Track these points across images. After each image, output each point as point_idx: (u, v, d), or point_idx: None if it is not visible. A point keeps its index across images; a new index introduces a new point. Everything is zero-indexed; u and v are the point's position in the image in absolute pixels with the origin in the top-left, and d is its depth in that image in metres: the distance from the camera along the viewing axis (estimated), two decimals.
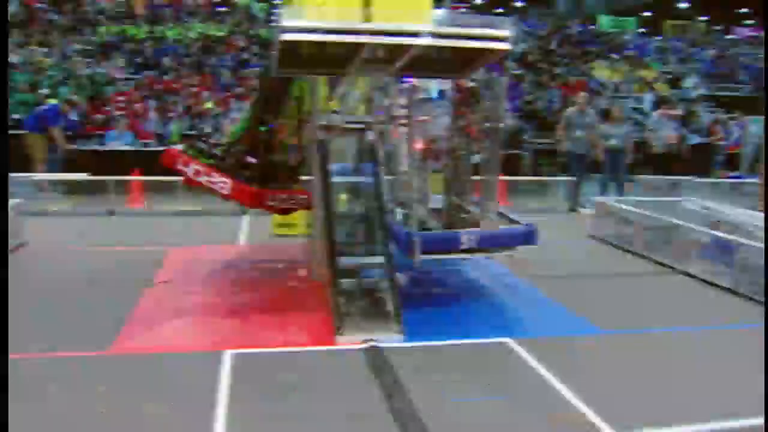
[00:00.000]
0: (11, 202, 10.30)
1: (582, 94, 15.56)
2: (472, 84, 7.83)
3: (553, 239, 9.40)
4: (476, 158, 8.11)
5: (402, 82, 8.01)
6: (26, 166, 15.45)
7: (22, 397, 5.02)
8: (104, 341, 6.19)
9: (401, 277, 7.34)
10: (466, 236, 7.12)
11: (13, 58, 24.59)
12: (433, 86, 8.13)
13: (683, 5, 40.02)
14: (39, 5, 31.03)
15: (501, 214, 7.97)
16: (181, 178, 8.41)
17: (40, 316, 7.00)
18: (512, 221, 7.89)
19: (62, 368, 5.61)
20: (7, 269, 6.25)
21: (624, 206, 10.82)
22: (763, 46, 26.49)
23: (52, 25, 28.69)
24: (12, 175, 13.47)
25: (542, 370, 5.60)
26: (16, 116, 19.05)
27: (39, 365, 5.68)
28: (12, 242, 9.80)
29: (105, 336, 6.31)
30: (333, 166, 7.62)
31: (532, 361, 5.79)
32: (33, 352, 5.94)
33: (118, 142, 16.86)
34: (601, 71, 26.94)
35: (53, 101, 17.36)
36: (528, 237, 7.45)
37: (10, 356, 5.80)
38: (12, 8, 31.85)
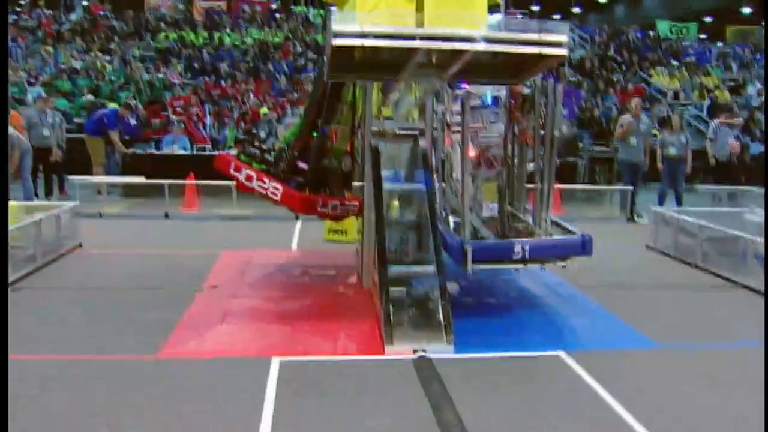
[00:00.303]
0: (68, 204, 10.49)
1: (635, 100, 15.19)
2: (527, 90, 7.70)
3: (608, 249, 9.19)
4: (531, 166, 7.99)
5: (455, 89, 7.92)
6: (85, 169, 15.73)
7: (68, 398, 5.06)
8: (154, 345, 6.21)
9: (452, 287, 7.23)
10: (520, 246, 6.98)
11: (76, 63, 25.15)
12: (488, 92, 8.00)
13: (746, 10, 39.09)
14: (102, 12, 31.69)
15: (555, 224, 7.83)
16: (234, 182, 8.44)
17: (92, 318, 7.07)
18: (567, 231, 7.73)
19: (111, 371, 5.63)
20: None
21: (683, 217, 10.53)
22: None
23: (113, 32, 29.24)
24: (69, 177, 13.77)
25: (595, 385, 5.43)
26: (77, 120, 19.46)
27: (88, 367, 5.71)
28: (67, 244, 9.96)
29: (155, 339, 6.34)
30: (385, 173, 7.55)
31: (585, 375, 5.62)
32: (83, 353, 5.98)
33: (175, 146, 17.05)
34: (660, 78, 26.45)
35: (113, 105, 17.66)
36: (583, 247, 7.28)
37: (61, 357, 5.89)
38: (75, 16, 32.59)
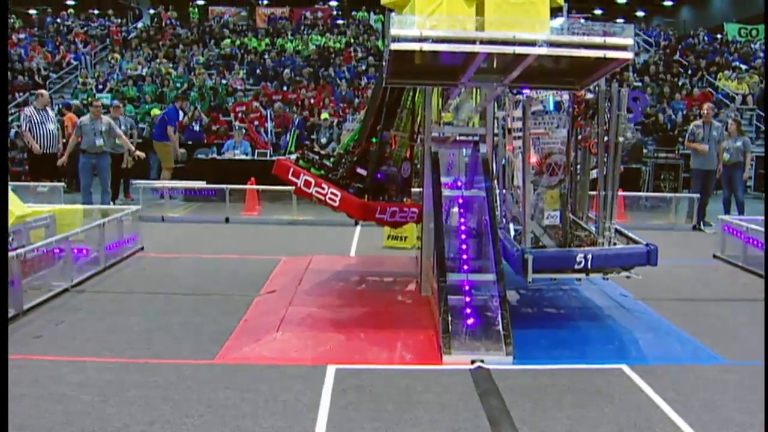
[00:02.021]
0: (131, 207, 10.64)
1: (707, 105, 14.78)
2: (590, 96, 7.53)
3: (674, 259, 8.95)
4: (594, 173, 7.81)
5: (517, 94, 7.79)
6: (146, 173, 16.00)
7: (126, 404, 5.08)
8: (211, 350, 6.22)
9: (512, 296, 7.10)
10: (582, 255, 6.83)
11: (141, 70, 25.65)
12: (550, 98, 7.85)
13: None
14: (168, 20, 32.32)
15: (619, 232, 7.64)
16: (293, 187, 8.44)
17: (151, 322, 7.13)
18: (631, 240, 7.53)
19: (167, 375, 5.65)
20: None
21: (752, 226, 10.18)
22: None
23: (178, 39, 29.76)
24: (132, 181, 14.03)
25: (659, 401, 5.26)
26: (142, 126, 19.82)
27: (146, 371, 5.74)
28: (129, 247, 10.10)
29: (212, 345, 6.36)
30: (445, 179, 7.46)
31: (649, 391, 5.45)
32: (141, 357, 6.02)
33: (236, 151, 17.22)
34: (728, 82, 25.79)
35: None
36: (648, 257, 7.08)
37: (117, 360, 5.94)
38: (142, 24, 33.26)
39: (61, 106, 19.63)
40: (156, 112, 17.51)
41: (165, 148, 16.40)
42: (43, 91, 16.44)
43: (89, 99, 16.27)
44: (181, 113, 17.90)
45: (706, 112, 14.00)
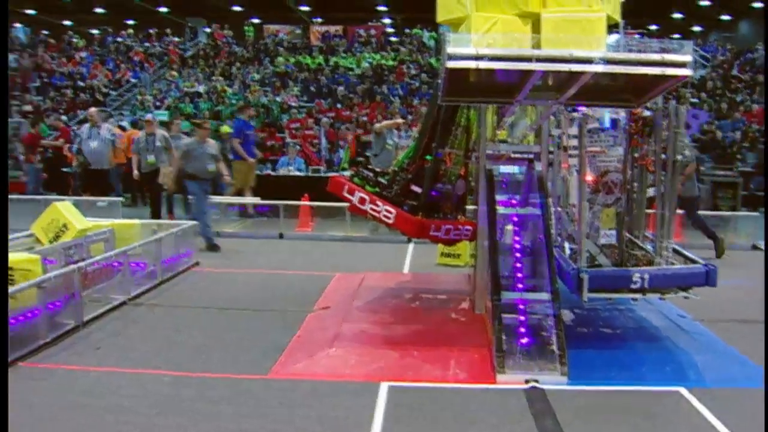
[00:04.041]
0: (188, 222, 10.81)
1: None
2: (647, 113, 7.43)
3: (733, 279, 8.75)
4: (651, 191, 7.70)
5: (572, 111, 7.74)
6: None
7: (180, 416, 5.15)
8: (265, 365, 6.28)
9: (567, 315, 7.03)
10: (639, 274, 6.74)
11: (199, 87, 26.09)
12: (606, 115, 7.77)
13: None
14: (224, 38, 32.85)
15: (677, 252, 7.51)
16: (347, 204, 8.49)
17: (206, 336, 7.23)
18: (689, 259, 7.39)
19: (222, 389, 5.72)
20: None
21: None
22: None
23: (234, 57, 30.21)
24: (190, 197, 14.13)
25: (718, 424, 5.17)
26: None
27: (201, 385, 5.81)
28: (184, 262, 10.25)
29: (266, 359, 6.42)
30: (500, 197, 7.43)
31: (708, 414, 5.35)
32: (196, 371, 6.10)
33: (290, 167, 17.33)
34: None
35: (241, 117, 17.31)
36: (706, 277, 6.94)
37: (172, 373, 6.02)
38: (199, 42, 33.86)
39: (127, 122, 20.06)
40: (226, 129, 17.32)
41: (245, 168, 15.72)
42: (92, 110, 16.69)
43: (199, 121, 15.46)
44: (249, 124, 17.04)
45: None
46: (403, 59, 29.01)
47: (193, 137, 12.66)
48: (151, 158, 13.77)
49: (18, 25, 37.16)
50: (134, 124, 19.47)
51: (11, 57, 30.05)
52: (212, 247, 11.90)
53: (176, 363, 6.34)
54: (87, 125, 15.43)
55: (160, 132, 14.34)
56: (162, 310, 8.25)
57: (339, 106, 24.18)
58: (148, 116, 15.46)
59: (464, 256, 10.52)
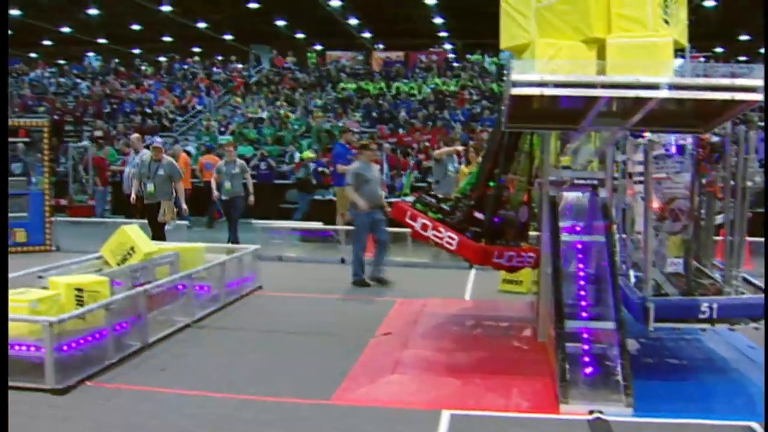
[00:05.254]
0: (251, 247, 10.93)
1: None
2: (715, 138, 7.29)
3: None
4: (719, 218, 7.53)
5: (638, 137, 7.63)
6: (265, 213, 16.13)
7: None
8: (327, 390, 6.28)
9: (632, 345, 6.89)
10: (707, 304, 6.58)
11: (262, 113, 26.52)
12: (672, 141, 7.64)
13: None
14: (286, 65, 33.39)
15: (747, 281, 7.31)
16: (410, 230, 8.50)
17: (268, 360, 7.29)
18: (759, 289, 7.19)
19: (283, 414, 5.74)
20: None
21: None
22: None
23: (297, 83, 30.65)
24: (254, 221, 14.28)
25: None
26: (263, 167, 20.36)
27: (262, 408, 5.85)
28: (247, 286, 10.36)
29: (328, 384, 6.42)
30: (563, 224, 7.35)
31: None
32: (257, 395, 6.14)
33: None
34: None
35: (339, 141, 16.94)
36: None
37: (235, 396, 6.08)
38: (257, 69, 34.44)
39: (193, 146, 20.49)
40: (308, 155, 16.94)
41: (343, 192, 14.04)
42: (133, 137, 16.81)
43: (366, 142, 14.13)
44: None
45: None
46: (465, 84, 29.06)
47: (360, 159, 11.47)
48: (150, 187, 12.65)
49: (91, 53, 38.41)
50: (209, 150, 19.86)
51: (83, 84, 31.04)
52: (361, 283, 11.23)
53: (240, 386, 6.39)
54: (131, 152, 15.43)
55: (167, 158, 13.28)
56: (225, 333, 8.34)
57: (401, 131, 24.30)
58: (157, 142, 14.20)
59: (526, 283, 10.41)
